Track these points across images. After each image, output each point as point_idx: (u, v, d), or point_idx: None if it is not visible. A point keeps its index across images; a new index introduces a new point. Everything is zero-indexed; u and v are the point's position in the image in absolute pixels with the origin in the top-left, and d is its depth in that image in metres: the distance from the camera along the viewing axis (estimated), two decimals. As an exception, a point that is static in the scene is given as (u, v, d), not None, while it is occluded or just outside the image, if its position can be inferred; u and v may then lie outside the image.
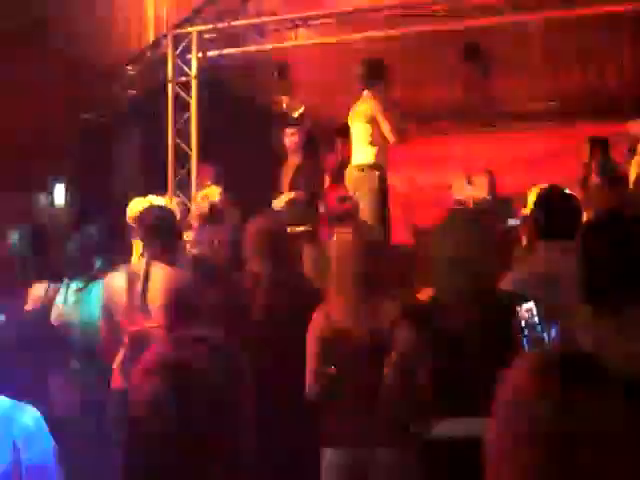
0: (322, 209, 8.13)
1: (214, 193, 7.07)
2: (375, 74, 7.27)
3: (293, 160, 8.03)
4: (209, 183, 8.43)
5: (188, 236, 6.74)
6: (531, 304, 2.24)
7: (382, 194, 7.20)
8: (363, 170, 7.22)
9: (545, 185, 5.56)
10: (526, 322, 2.24)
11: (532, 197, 5.19)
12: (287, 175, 8.00)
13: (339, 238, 4.04)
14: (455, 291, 3.33)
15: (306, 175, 7.87)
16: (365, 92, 7.28)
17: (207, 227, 6.80)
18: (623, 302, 2.34)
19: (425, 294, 3.48)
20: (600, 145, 8.48)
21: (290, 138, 8.04)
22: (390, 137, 7.11)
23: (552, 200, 4.26)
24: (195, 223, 6.84)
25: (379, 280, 3.72)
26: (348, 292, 3.72)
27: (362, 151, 7.26)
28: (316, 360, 3.66)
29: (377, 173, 7.18)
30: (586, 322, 2.38)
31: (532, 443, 1.44)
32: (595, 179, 7.67)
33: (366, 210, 7.08)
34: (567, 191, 5.57)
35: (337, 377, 3.56)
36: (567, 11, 8.37)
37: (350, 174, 7.37)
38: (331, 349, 3.65)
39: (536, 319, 2.22)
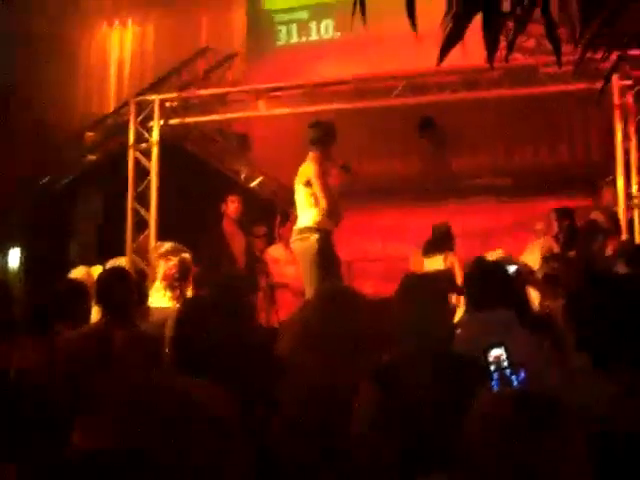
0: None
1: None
2: (322, 136, 7.08)
3: (232, 227, 8.48)
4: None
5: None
6: (501, 350, 2.35)
7: (322, 258, 6.84)
8: (302, 232, 6.93)
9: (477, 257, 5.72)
10: (496, 367, 2.35)
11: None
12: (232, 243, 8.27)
13: (311, 297, 4.09)
14: (415, 351, 3.40)
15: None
16: (310, 154, 7.07)
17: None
18: (615, 361, 2.43)
19: (389, 354, 3.53)
20: (569, 216, 8.48)
21: (231, 205, 8.40)
22: (322, 202, 6.87)
23: (480, 272, 4.35)
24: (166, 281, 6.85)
25: (350, 339, 3.75)
26: (319, 350, 3.74)
27: (303, 214, 7.01)
28: (286, 416, 3.68)
29: (316, 236, 6.85)
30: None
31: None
32: (564, 251, 7.72)
33: (304, 274, 6.87)
34: (498, 261, 5.75)
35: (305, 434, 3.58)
36: (519, 90, 8.64)
37: (292, 238, 7.11)
38: (302, 407, 3.66)
39: (505, 363, 2.33)
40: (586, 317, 2.49)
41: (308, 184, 6.95)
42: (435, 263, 8.67)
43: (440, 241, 8.87)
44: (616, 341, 2.42)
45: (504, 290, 4.14)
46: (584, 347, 2.46)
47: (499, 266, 4.82)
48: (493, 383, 2.36)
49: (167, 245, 7.09)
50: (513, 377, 2.33)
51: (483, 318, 4.05)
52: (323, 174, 6.95)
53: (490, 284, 4.16)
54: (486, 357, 2.37)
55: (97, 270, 6.73)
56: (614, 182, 8.17)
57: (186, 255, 6.90)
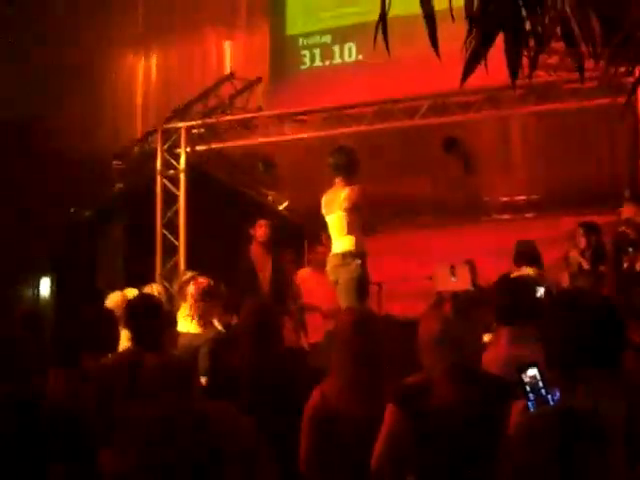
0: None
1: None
2: (346, 163, 7.05)
3: (260, 250, 8.46)
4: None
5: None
6: (535, 370, 2.35)
7: (363, 283, 6.95)
8: (344, 258, 6.95)
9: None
10: (531, 387, 2.35)
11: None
12: (261, 267, 8.28)
13: (338, 318, 4.09)
14: (444, 370, 3.39)
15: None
16: (338, 180, 7.09)
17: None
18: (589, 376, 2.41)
19: (416, 375, 3.52)
20: (596, 231, 8.38)
21: (259, 229, 8.48)
22: (374, 225, 7.06)
23: (509, 288, 4.47)
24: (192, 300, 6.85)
25: (377, 361, 3.75)
26: (345, 373, 3.75)
27: (342, 239, 7.02)
28: (310, 440, 3.68)
29: (358, 261, 6.92)
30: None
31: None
32: (593, 266, 7.66)
33: (345, 299, 6.83)
34: (520, 278, 5.72)
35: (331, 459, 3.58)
36: (543, 106, 8.63)
37: (330, 262, 7.09)
38: (325, 430, 3.66)
39: (540, 384, 2.33)
40: (552, 334, 2.47)
41: (351, 210, 6.94)
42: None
43: (536, 256, 8.44)
44: (582, 356, 2.40)
45: (526, 305, 4.17)
46: (553, 364, 2.43)
47: (522, 283, 4.84)
48: (529, 403, 2.35)
49: (190, 273, 7.12)
50: (549, 396, 2.33)
51: (506, 333, 4.11)
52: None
53: (512, 300, 4.24)
54: (521, 377, 2.37)
55: (132, 293, 6.77)
56: (633, 197, 8.11)
57: (211, 280, 6.91)
